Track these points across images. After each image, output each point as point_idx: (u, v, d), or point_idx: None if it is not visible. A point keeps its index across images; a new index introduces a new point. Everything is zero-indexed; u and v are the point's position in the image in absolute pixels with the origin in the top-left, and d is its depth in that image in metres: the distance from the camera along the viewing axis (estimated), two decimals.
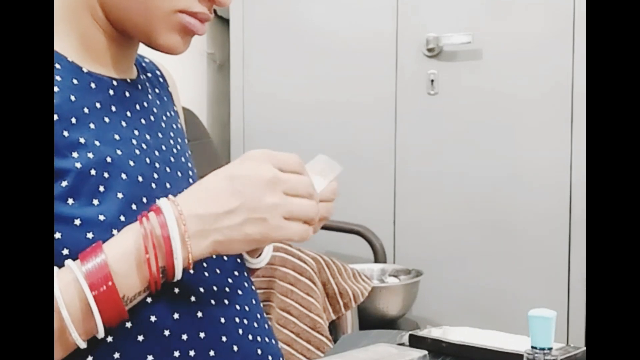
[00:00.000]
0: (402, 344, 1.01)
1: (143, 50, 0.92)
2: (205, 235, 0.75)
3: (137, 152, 0.84)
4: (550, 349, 0.79)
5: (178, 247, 0.73)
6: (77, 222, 0.75)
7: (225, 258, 0.89)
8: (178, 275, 0.75)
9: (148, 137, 0.88)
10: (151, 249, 0.73)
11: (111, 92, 0.85)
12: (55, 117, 0.78)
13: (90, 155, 0.78)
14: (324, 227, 0.96)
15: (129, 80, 0.89)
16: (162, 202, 0.75)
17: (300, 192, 0.79)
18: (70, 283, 0.71)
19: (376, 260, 2.39)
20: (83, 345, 0.72)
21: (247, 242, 0.77)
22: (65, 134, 0.78)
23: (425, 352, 0.93)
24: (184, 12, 0.83)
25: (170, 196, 0.77)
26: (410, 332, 1.03)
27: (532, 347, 0.80)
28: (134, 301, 0.75)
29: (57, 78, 0.80)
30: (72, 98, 0.80)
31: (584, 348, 0.91)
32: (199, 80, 2.74)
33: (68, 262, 0.73)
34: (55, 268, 0.72)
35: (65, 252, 0.74)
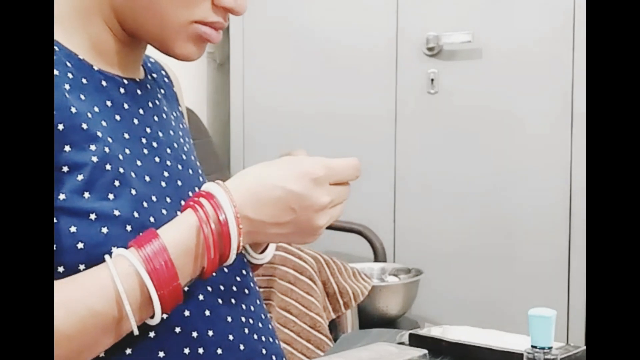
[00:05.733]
0: (402, 343, 1.01)
1: (147, 50, 0.92)
2: (250, 235, 0.80)
3: (146, 151, 0.85)
4: (550, 348, 0.79)
5: (235, 248, 0.77)
6: (93, 216, 0.75)
7: None
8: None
9: (160, 134, 0.88)
10: (211, 239, 0.75)
11: (122, 90, 0.86)
12: (73, 110, 0.77)
13: (107, 149, 0.79)
14: None
15: (137, 80, 0.90)
16: (220, 199, 0.77)
17: (339, 202, 0.84)
18: (126, 270, 0.72)
19: (376, 260, 2.39)
20: (136, 332, 0.74)
21: (279, 242, 0.85)
22: (84, 126, 0.78)
23: (425, 351, 0.93)
24: (199, 22, 0.83)
25: (219, 182, 0.78)
26: (410, 331, 1.03)
27: (532, 347, 0.80)
28: (185, 287, 0.77)
29: (69, 75, 0.80)
30: (82, 97, 0.80)
31: (584, 347, 0.91)
32: (199, 80, 2.74)
33: (121, 251, 0.74)
34: (107, 257, 0.73)
35: (80, 246, 0.74)
